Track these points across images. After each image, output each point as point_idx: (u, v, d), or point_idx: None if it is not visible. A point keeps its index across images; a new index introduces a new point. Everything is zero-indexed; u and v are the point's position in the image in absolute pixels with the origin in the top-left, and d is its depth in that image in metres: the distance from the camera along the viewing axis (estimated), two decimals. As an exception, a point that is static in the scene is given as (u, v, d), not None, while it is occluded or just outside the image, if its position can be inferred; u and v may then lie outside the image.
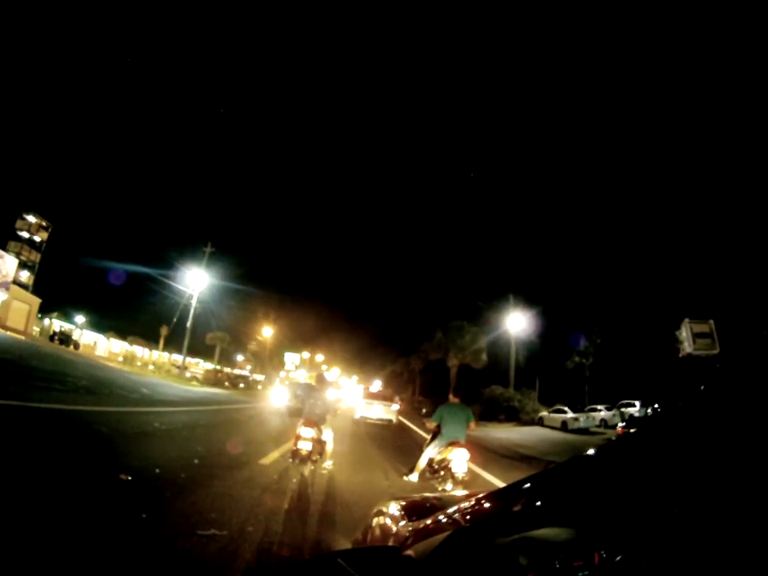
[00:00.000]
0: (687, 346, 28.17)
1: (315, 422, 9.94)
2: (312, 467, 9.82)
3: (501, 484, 10.32)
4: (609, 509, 1.30)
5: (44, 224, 75.10)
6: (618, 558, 1.08)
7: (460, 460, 9.24)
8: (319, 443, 9.87)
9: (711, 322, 27.98)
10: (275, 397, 31.75)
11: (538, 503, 1.60)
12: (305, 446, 9.56)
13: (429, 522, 1.95)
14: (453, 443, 9.47)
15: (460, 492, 4.63)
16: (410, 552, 1.60)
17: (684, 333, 28.58)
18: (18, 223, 72.56)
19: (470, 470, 9.64)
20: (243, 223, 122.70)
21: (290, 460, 9.77)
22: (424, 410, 32.50)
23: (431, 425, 10.31)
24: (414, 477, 10.27)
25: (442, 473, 9.52)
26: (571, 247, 62.19)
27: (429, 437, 10.57)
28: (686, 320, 28.63)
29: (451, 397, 10.29)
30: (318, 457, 9.89)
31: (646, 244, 43.65)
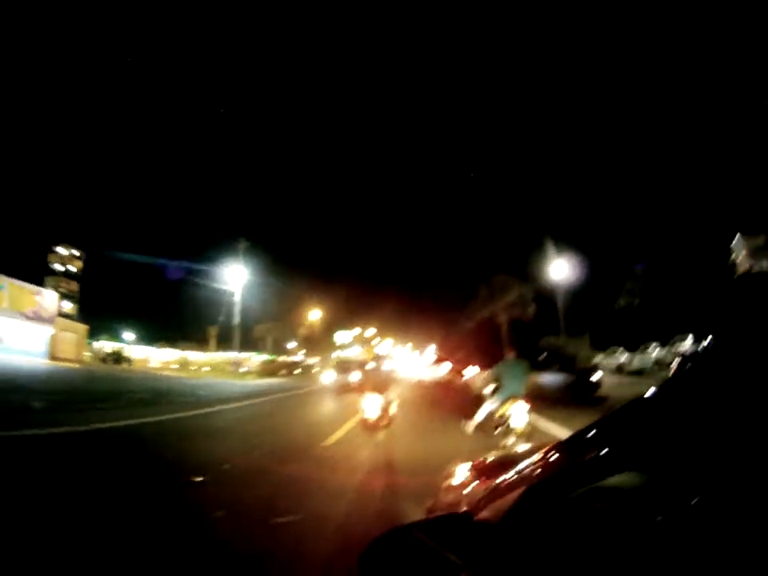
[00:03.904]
0: (745, 263, 27.00)
1: (379, 392, 10.76)
2: (380, 434, 10.38)
3: (566, 433, 10.40)
4: (675, 450, 1.23)
5: (76, 253, 76.62)
6: (694, 501, 1.03)
7: (520, 413, 9.30)
8: (385, 410, 10.68)
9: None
10: (325, 378, 34.39)
11: (605, 451, 1.49)
12: (372, 415, 10.50)
13: (499, 481, 1.89)
14: (512, 397, 9.47)
15: (524, 447, 4.57)
16: (483, 515, 1.57)
17: (739, 248, 27.30)
18: (51, 257, 74.19)
19: (531, 423, 9.69)
20: (273, 210, 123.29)
21: (360, 430, 10.62)
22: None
23: (490, 382, 10.36)
24: (470, 427, 10.42)
25: (503, 428, 9.56)
26: (607, 176, 60.77)
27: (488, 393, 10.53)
28: (739, 234, 27.35)
29: (507, 353, 10.44)
30: (386, 423, 10.67)
31: (687, 159, 42.22)
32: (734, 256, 27.30)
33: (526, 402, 9.41)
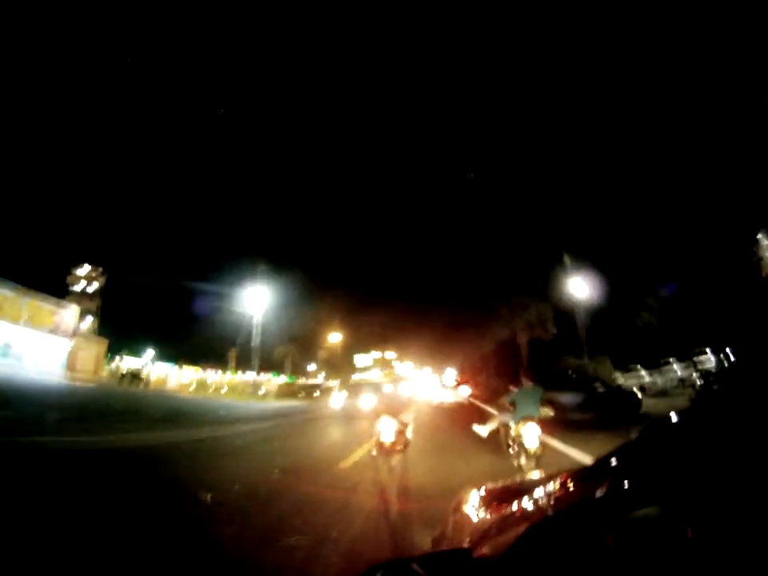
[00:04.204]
0: None
1: (394, 415, 10.95)
2: (397, 457, 10.67)
3: (584, 457, 10.57)
4: (696, 478, 1.18)
5: (97, 272, 77.79)
6: (711, 532, 0.99)
7: (532, 435, 9.87)
8: (401, 434, 10.77)
9: None
10: (335, 401, 31.57)
11: (622, 483, 1.46)
12: (387, 439, 10.49)
13: (507, 512, 1.90)
14: (526, 418, 10.09)
15: (537, 474, 4.56)
16: (485, 550, 1.52)
17: (764, 247, 26.43)
18: (69, 278, 75.47)
19: (545, 445, 10.26)
20: (295, 232, 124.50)
21: (374, 453, 10.67)
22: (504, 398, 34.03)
23: (507, 405, 11.09)
24: (482, 431, 11.42)
25: (516, 448, 10.28)
26: (620, 188, 60.48)
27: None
28: (764, 231, 26.49)
29: (524, 380, 10.86)
30: (402, 447, 10.82)
31: (698, 158, 41.54)
32: (758, 254, 26.35)
33: (538, 425, 9.98)
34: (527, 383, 10.90)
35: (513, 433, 10.55)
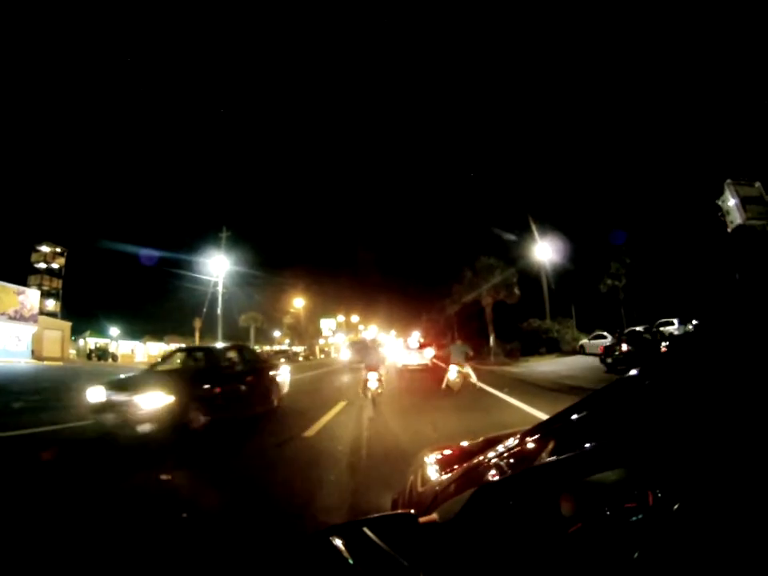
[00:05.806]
0: (737, 216, 24.96)
1: (374, 368, 15.57)
2: (378, 397, 15.14)
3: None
4: (658, 438, 1.12)
5: (59, 250, 76.59)
6: (677, 500, 0.92)
7: (452, 371, 17.94)
8: (380, 381, 15.38)
9: (758, 184, 25.15)
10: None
11: (576, 441, 1.43)
12: (373, 385, 15.23)
13: (461, 474, 1.86)
14: (455, 363, 17.99)
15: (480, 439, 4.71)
16: (435, 513, 1.50)
17: (729, 200, 25.85)
18: (33, 256, 74.23)
19: (461, 376, 18.01)
20: (255, 201, 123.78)
21: (361, 394, 15.42)
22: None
23: (446, 355, 20.14)
24: (444, 384, 18.17)
25: (445, 380, 18.11)
26: (586, 148, 60.80)
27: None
28: (729, 181, 25.74)
29: (457, 341, 20.64)
30: (380, 391, 15.43)
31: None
32: (724, 207, 25.29)
33: (460, 366, 17.91)
34: (458, 342, 19.58)
35: (447, 372, 18.08)
